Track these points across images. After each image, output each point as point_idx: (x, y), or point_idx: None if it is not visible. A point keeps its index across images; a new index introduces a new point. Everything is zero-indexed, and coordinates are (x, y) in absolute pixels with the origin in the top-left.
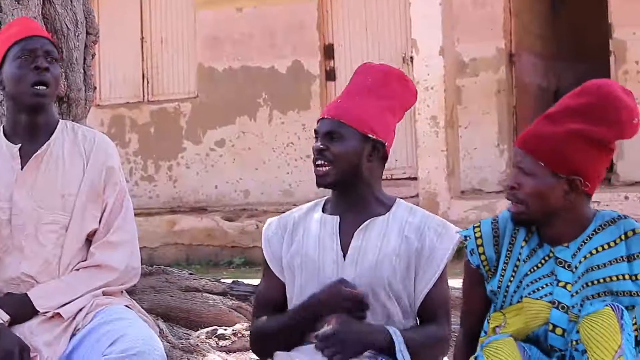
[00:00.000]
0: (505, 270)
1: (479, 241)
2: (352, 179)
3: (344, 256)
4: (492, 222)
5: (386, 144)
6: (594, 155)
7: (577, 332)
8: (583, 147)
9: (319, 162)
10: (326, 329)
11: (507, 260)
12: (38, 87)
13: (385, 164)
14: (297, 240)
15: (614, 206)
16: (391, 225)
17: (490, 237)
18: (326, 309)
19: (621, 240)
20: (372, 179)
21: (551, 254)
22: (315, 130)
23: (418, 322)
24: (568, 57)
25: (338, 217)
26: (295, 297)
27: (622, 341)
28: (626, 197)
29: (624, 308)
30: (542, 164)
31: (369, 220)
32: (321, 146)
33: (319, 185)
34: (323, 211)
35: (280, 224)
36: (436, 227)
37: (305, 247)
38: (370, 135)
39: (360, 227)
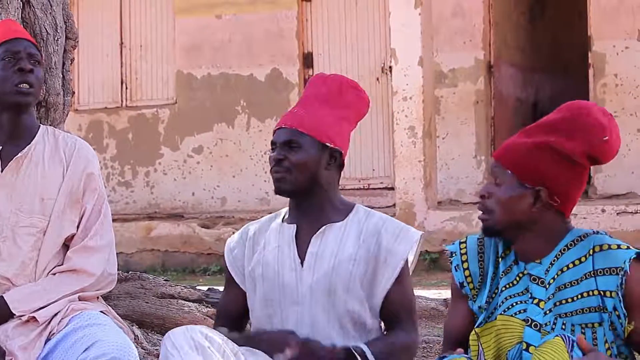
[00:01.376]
0: (492, 285)
1: (464, 257)
2: (310, 186)
3: (302, 263)
4: (478, 238)
5: (343, 152)
6: (562, 169)
7: None
8: (550, 159)
9: (277, 172)
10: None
11: (493, 276)
12: (21, 85)
13: (342, 172)
14: (258, 251)
15: (591, 219)
16: (348, 230)
17: (475, 252)
18: (270, 349)
19: (590, 255)
20: (330, 187)
21: (525, 271)
22: (272, 142)
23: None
24: (547, 69)
25: (295, 225)
26: (258, 307)
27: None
28: (603, 210)
29: (574, 339)
30: (510, 173)
31: (325, 226)
32: (279, 156)
33: (277, 192)
34: (283, 221)
35: (241, 236)
36: (394, 229)
37: (265, 256)
38: (327, 144)
39: (316, 234)
